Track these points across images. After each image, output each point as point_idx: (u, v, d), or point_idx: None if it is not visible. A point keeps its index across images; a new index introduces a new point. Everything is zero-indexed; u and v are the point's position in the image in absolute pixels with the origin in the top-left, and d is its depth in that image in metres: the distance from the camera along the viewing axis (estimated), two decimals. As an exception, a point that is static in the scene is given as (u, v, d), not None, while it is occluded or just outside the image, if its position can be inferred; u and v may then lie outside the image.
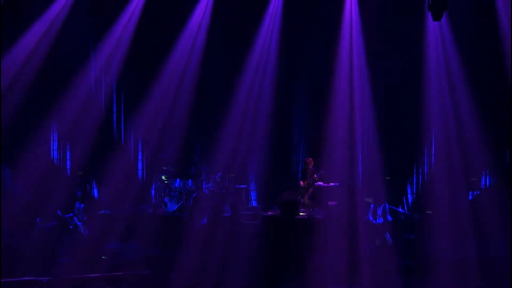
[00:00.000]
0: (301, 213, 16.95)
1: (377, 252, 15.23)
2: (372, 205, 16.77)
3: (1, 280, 12.58)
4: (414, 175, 19.65)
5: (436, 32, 16.88)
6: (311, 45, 19.26)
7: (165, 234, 15.84)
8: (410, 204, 19.29)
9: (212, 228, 15.72)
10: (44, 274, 13.64)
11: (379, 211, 16.68)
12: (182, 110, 17.80)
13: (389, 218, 16.81)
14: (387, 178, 17.82)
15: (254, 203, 19.48)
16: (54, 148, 19.71)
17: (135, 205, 17.57)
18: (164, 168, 18.19)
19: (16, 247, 14.90)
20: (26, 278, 12.89)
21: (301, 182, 17.64)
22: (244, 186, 18.69)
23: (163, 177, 18.10)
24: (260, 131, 18.16)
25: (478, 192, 18.33)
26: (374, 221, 16.55)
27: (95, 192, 19.45)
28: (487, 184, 18.76)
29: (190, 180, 18.10)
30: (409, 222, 17.60)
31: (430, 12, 13.65)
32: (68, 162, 19.64)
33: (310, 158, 17.73)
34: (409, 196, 19.55)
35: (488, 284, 14.06)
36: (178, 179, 18.16)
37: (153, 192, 19.33)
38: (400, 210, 18.00)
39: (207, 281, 13.59)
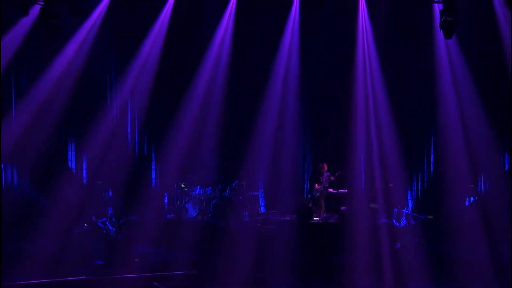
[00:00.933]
0: (314, 218, 18.04)
1: (398, 253, 16.21)
2: (395, 209, 17.74)
3: (53, 280, 13.43)
4: (414, 182, 20.66)
5: (444, 45, 17.53)
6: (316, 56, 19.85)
7: (189, 238, 16.63)
8: (410, 210, 20.20)
9: (235, 232, 16.64)
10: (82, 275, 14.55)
11: (403, 215, 17.70)
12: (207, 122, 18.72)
13: (412, 222, 17.77)
14: (391, 185, 18.71)
15: (263, 209, 20.34)
16: (72, 159, 20.54)
17: (155, 211, 18.50)
18: (183, 176, 19.08)
19: (54, 251, 15.67)
20: (83, 277, 13.71)
21: (316, 185, 18.58)
22: (257, 193, 19.64)
23: (182, 185, 18.95)
24: (267, 139, 18.94)
25: (476, 198, 19.14)
26: (398, 224, 17.56)
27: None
28: (484, 190, 19.65)
29: (209, 188, 18.93)
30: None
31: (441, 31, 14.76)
32: (84, 172, 20.44)
33: (325, 163, 18.65)
34: (410, 202, 20.46)
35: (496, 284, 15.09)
36: (198, 186, 18.98)
37: (166, 199, 20.18)
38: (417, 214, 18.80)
39: (247, 279, 14.51)
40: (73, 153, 20.47)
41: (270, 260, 15.55)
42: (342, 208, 17.96)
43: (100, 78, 19.96)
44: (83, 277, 13.84)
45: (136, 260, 15.59)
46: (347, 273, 14.96)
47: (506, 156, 19.60)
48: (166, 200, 20.02)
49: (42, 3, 14.98)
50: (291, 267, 15.13)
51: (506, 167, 19.62)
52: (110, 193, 19.90)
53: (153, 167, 20.94)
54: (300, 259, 15.52)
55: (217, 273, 14.63)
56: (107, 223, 17.41)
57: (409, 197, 20.23)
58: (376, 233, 16.53)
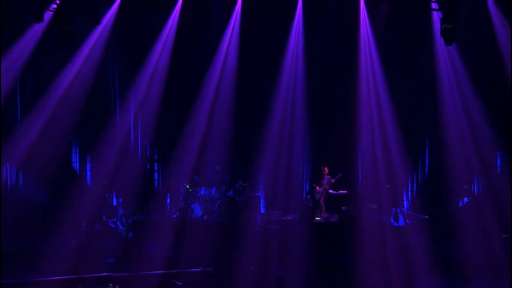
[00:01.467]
0: (316, 218, 18.61)
1: (399, 251, 16.78)
2: (394, 209, 18.32)
3: (76, 277, 13.89)
4: (409, 184, 21.18)
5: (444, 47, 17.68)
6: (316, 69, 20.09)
7: (198, 238, 17.09)
8: (407, 210, 20.70)
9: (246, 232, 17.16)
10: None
11: (400, 215, 18.28)
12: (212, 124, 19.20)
13: (408, 221, 18.34)
14: (387, 186, 19.25)
15: (263, 210, 20.78)
16: (76, 160, 20.94)
17: (161, 211, 18.99)
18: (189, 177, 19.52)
19: (66, 251, 16.11)
20: (104, 274, 14.15)
21: (317, 187, 19.11)
22: (258, 194, 20.13)
23: (187, 186, 19.39)
24: (270, 141, 19.31)
25: (469, 198, 19.61)
26: (397, 224, 18.13)
27: (114, 201, 20.59)
28: (478, 191, 20.05)
29: (214, 188, 19.41)
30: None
31: (442, 38, 15.32)
32: (88, 173, 20.85)
33: (326, 166, 19.14)
34: (405, 203, 20.97)
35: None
36: (203, 187, 19.44)
37: (168, 200, 20.60)
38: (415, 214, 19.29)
39: (261, 277, 15.05)
40: (77, 155, 20.81)
41: (281, 258, 16.06)
42: (343, 207, 18.53)
43: (106, 83, 20.39)
44: (104, 273, 14.26)
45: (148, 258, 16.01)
46: (352, 271, 15.47)
47: (499, 156, 19.98)
48: (168, 201, 20.42)
49: (56, 9, 15.31)
50: (300, 266, 15.64)
51: (499, 168, 20.15)
52: (114, 194, 20.32)
53: (155, 168, 21.42)
54: (306, 258, 15.99)
55: (231, 271, 15.09)
56: (118, 222, 17.87)
57: (404, 198, 20.49)
58: (377, 232, 17.05)
